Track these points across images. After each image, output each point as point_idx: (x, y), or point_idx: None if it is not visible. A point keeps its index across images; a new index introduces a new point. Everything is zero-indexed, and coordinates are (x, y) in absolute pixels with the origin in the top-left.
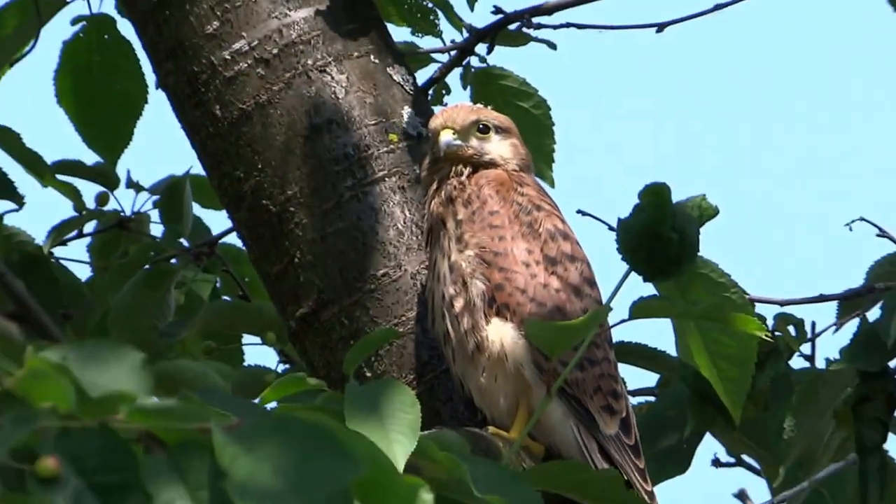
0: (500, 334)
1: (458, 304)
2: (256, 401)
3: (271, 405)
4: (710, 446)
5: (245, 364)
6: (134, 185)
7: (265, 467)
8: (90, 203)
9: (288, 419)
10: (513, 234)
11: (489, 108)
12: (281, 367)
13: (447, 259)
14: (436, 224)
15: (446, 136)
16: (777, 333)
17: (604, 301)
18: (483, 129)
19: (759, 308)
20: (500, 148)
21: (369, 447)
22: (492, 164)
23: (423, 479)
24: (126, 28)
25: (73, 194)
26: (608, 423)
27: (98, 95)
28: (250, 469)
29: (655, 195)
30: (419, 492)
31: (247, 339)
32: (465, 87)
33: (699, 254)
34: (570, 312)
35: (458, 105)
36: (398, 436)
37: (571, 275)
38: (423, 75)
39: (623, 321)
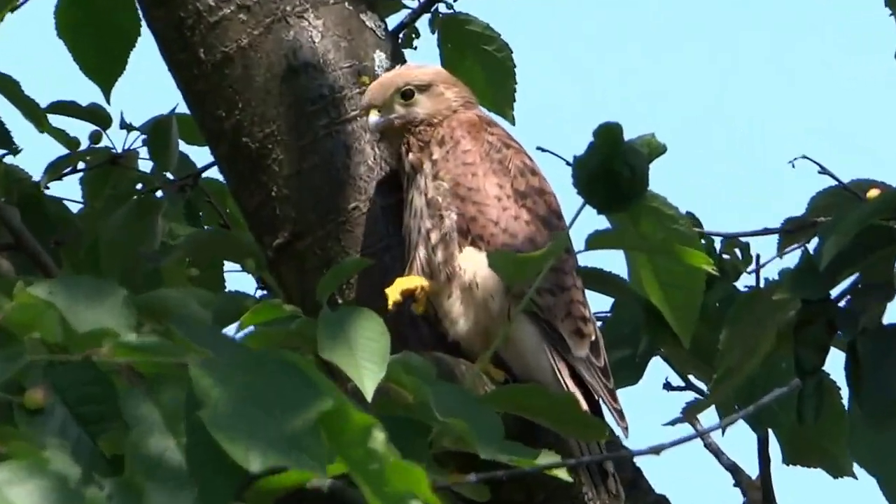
0: (473, 263)
1: (434, 236)
2: (236, 324)
3: (249, 329)
4: (661, 370)
5: (226, 290)
6: (126, 126)
7: (239, 398)
8: (85, 142)
9: (260, 354)
10: (484, 171)
11: (408, 65)
12: (259, 294)
13: (424, 196)
14: (411, 171)
15: (372, 118)
16: (725, 256)
17: None
18: (407, 95)
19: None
20: (427, 105)
21: (331, 385)
22: (424, 123)
23: (390, 403)
24: None
25: (66, 140)
26: (578, 346)
27: (95, 27)
28: (225, 399)
29: (608, 134)
30: (373, 430)
31: (227, 266)
32: (433, 32)
33: (649, 188)
34: (541, 243)
35: (377, 81)
36: (368, 363)
37: (540, 208)
38: (394, 20)
39: (579, 252)
